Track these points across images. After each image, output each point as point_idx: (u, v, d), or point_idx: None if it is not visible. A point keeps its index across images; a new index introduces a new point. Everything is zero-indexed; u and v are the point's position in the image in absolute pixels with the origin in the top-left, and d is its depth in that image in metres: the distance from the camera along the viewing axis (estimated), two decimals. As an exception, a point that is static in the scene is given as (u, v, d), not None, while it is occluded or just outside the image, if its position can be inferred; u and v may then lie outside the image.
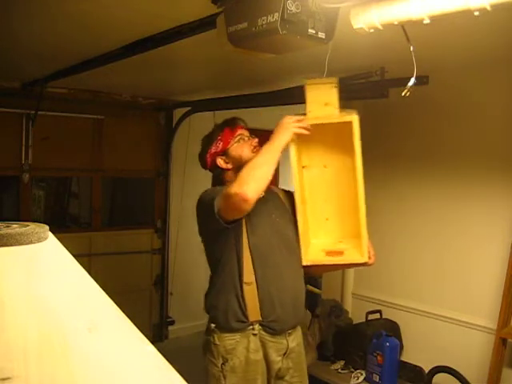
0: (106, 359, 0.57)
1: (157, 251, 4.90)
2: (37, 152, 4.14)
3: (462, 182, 3.15)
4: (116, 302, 0.69)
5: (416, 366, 3.18)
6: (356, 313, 3.59)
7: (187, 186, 4.80)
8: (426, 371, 3.04)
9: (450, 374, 2.86)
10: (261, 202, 1.88)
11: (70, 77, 3.25)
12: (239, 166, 1.96)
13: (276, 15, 1.44)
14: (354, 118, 1.89)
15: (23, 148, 4.09)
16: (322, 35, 1.55)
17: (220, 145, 2.06)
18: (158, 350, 0.64)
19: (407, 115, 3.37)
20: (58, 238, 0.73)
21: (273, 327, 1.98)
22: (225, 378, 1.96)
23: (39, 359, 0.52)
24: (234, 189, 1.75)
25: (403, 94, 1.66)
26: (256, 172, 1.79)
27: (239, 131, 2.08)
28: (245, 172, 1.79)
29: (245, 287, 1.93)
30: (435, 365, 2.97)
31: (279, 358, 2.02)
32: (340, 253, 2.03)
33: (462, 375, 2.81)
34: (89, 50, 2.70)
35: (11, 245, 0.61)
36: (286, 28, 1.45)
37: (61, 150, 4.28)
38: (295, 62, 2.74)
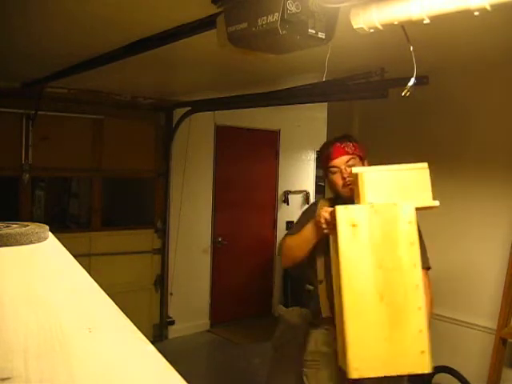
0: (105, 359, 0.57)
1: (157, 251, 4.90)
2: (37, 152, 4.13)
3: (461, 181, 3.15)
4: (116, 302, 0.69)
5: (416, 365, 3.17)
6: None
7: (187, 185, 4.79)
8: (426, 371, 3.04)
9: (450, 373, 2.86)
10: None
11: (70, 77, 3.25)
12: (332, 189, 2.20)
13: (276, 15, 1.44)
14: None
15: (23, 148, 4.09)
16: (322, 35, 1.54)
17: (324, 161, 2.17)
18: (158, 350, 0.64)
19: (407, 115, 3.37)
20: (58, 238, 0.73)
21: None
22: None
23: (39, 359, 0.52)
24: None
25: (403, 94, 1.66)
26: (290, 253, 2.15)
27: (334, 162, 2.12)
28: (283, 249, 2.19)
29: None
30: (435, 365, 2.96)
31: None
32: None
33: (462, 375, 2.81)
34: (89, 50, 2.70)
35: (11, 245, 0.61)
36: (285, 28, 1.45)
37: (61, 150, 4.27)
38: (295, 62, 2.74)
